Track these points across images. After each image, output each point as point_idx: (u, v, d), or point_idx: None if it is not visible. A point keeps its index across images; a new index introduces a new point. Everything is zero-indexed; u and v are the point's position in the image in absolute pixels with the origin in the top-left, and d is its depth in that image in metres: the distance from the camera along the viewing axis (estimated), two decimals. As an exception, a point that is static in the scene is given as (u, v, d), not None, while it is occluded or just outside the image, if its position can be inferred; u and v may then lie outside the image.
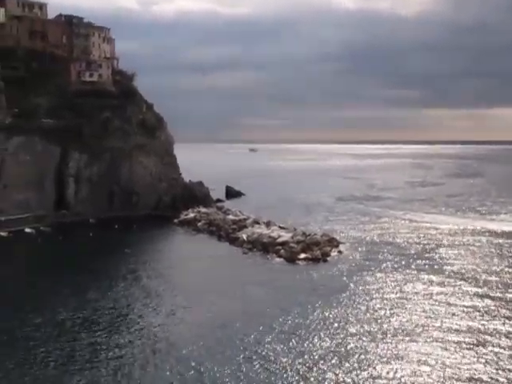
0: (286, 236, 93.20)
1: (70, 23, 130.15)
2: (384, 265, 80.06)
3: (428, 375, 44.72)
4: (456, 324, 55.54)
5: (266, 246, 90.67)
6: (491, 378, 44.18)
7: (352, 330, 54.38)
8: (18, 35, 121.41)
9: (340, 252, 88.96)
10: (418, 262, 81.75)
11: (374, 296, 65.31)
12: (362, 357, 48.15)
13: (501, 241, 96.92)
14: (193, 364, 46.96)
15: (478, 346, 50.22)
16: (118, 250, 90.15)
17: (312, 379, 44.35)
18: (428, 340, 51.41)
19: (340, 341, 51.62)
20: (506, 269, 77.32)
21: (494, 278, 72.27)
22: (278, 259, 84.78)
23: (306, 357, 48.24)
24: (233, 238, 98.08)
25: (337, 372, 45.42)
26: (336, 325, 55.81)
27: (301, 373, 45.37)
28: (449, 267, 78.18)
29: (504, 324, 55.58)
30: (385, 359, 47.73)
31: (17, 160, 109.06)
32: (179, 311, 60.73)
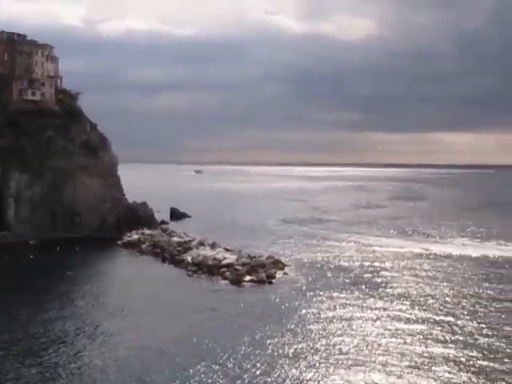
0: (231, 258, 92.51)
1: (13, 40, 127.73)
2: (329, 287, 79.93)
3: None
4: (399, 348, 55.54)
5: (211, 269, 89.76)
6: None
7: (297, 356, 53.79)
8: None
9: (285, 274, 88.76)
10: (363, 284, 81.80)
11: (320, 320, 64.95)
12: None
13: (444, 263, 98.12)
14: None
15: (420, 369, 50.30)
16: (58, 273, 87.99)
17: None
18: (372, 366, 51.12)
19: (282, 369, 50.85)
20: (448, 291, 78.15)
21: (437, 302, 72.82)
22: (223, 281, 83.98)
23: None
24: (177, 260, 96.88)
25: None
26: (280, 351, 55.14)
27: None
28: (393, 290, 78.53)
29: (446, 348, 55.87)
30: None
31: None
32: (114, 336, 59.14)
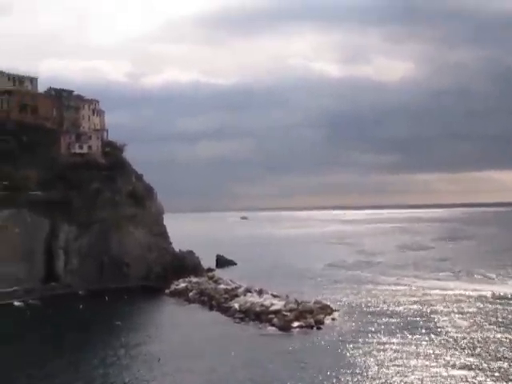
0: (278, 304, 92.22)
1: (60, 96, 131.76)
2: (379, 332, 78.95)
3: None
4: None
5: (258, 315, 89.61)
6: None
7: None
8: (8, 108, 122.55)
9: (334, 319, 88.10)
10: (413, 329, 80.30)
11: (371, 366, 64.17)
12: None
13: (496, 305, 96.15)
14: None
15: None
16: (108, 323, 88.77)
17: None
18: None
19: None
20: (502, 336, 76.31)
21: (490, 347, 71.16)
22: (271, 328, 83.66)
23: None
24: (225, 308, 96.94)
25: None
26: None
27: None
28: (444, 335, 76.90)
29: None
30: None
31: (6, 232, 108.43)
32: (179, 379, 59.89)
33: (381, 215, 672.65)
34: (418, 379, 58.94)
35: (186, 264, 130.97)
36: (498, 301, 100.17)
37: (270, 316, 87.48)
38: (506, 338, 74.97)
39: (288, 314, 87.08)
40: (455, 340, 74.20)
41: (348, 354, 68.83)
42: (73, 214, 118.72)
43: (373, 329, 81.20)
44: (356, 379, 59.38)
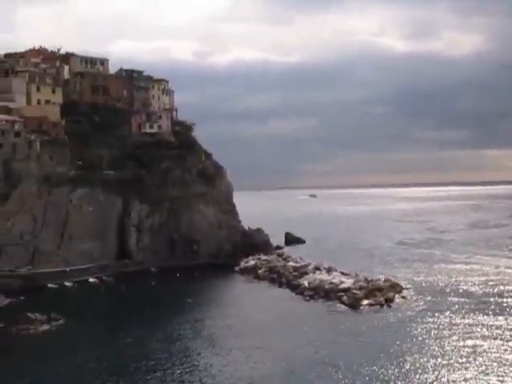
0: (347, 282, 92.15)
1: (131, 77, 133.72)
2: (449, 312, 77.56)
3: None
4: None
5: (327, 293, 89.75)
6: None
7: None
8: (81, 90, 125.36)
9: (404, 297, 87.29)
10: (485, 310, 78.52)
11: (444, 344, 63.49)
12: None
13: None
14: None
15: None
16: (180, 300, 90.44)
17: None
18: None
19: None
20: None
21: None
22: (340, 306, 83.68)
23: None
24: (294, 285, 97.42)
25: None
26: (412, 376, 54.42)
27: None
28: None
29: None
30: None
31: (81, 211, 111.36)
32: (241, 355, 61.12)
33: (450, 192, 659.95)
34: (492, 362, 57.67)
35: (255, 242, 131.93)
36: None
37: (340, 294, 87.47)
38: None
39: (357, 291, 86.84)
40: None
41: (418, 333, 68.05)
42: (144, 192, 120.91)
43: (443, 308, 79.97)
44: (425, 359, 58.78)
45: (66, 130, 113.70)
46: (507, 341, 64.10)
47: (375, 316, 77.37)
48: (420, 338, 65.94)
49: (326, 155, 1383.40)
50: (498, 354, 59.37)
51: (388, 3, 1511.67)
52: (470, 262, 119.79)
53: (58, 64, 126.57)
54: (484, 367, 55.81)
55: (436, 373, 54.81)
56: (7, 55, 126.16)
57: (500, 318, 74.02)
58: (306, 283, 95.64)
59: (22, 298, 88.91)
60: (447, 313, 77.14)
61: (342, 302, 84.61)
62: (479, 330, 69.27)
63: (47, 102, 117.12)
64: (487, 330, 68.85)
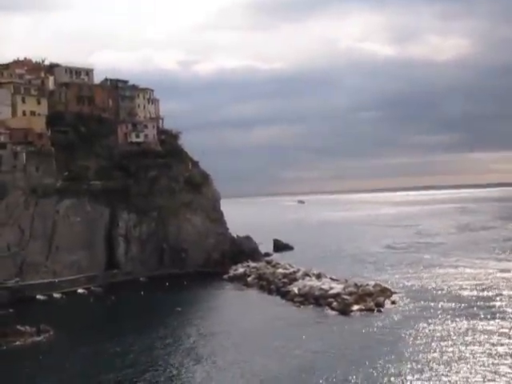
0: (337, 288, 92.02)
1: (116, 87, 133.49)
2: (440, 317, 77.46)
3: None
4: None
5: (317, 299, 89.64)
6: None
7: None
8: (66, 101, 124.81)
9: (394, 302, 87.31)
10: (476, 314, 78.39)
11: (434, 349, 63.48)
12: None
13: None
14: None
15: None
16: (169, 309, 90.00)
17: None
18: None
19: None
20: None
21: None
22: (330, 311, 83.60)
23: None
24: (284, 292, 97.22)
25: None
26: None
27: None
28: (509, 321, 75.02)
29: None
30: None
31: (68, 222, 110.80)
32: (226, 369, 60.35)
33: (438, 196, 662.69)
34: (481, 367, 57.50)
35: (244, 249, 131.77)
36: None
37: (330, 300, 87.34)
38: None
39: (347, 297, 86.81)
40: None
41: (409, 338, 68.11)
42: (131, 202, 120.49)
43: (433, 312, 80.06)
44: (415, 364, 58.74)
45: (52, 141, 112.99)
46: (496, 345, 63.97)
47: (366, 321, 77.25)
48: (410, 343, 65.92)
49: (313, 162, 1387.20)
50: (487, 359, 59.30)
51: (372, 9, 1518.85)
52: (459, 265, 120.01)
53: (42, 75, 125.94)
54: (474, 372, 55.74)
55: (427, 377, 54.73)
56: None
57: (491, 322, 73.89)
58: (295, 290, 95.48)
59: (11, 310, 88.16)
60: (437, 317, 77.20)
61: (332, 308, 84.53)
62: (469, 334, 69.16)
63: (32, 113, 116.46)
64: (477, 334, 68.70)
